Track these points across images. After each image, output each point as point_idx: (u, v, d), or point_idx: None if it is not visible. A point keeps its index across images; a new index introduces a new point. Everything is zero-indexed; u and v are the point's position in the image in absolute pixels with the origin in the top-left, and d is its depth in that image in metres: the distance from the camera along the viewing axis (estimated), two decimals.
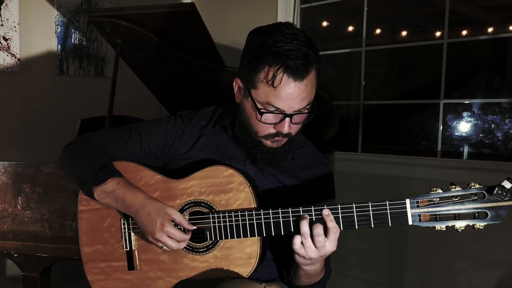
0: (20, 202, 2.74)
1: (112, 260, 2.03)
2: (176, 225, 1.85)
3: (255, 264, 1.86)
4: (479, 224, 1.59)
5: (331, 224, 1.71)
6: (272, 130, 1.85)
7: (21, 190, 2.73)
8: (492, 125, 3.81)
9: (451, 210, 1.61)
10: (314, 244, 1.71)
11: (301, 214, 1.75)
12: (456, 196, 1.61)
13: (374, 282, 4.24)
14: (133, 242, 2.00)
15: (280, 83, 1.73)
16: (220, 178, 1.89)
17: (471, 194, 1.59)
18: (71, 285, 4.12)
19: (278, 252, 2.04)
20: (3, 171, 2.75)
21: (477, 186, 1.59)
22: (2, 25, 4.01)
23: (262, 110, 1.80)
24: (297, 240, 1.73)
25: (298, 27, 4.47)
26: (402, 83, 4.50)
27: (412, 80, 4.45)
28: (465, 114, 3.93)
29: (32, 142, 4.23)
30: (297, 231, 1.74)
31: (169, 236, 1.80)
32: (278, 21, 1.86)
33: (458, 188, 1.61)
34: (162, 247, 1.84)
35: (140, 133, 2.06)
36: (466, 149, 3.93)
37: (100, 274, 2.05)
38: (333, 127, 3.68)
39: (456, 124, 3.97)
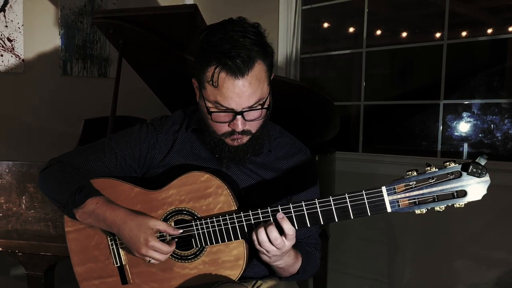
0: (24, 201, 2.73)
1: (105, 277, 2.03)
2: (162, 234, 1.85)
3: (244, 265, 1.84)
4: (459, 203, 1.54)
5: (286, 226, 1.70)
6: (227, 129, 1.83)
7: (25, 190, 2.73)
8: (492, 125, 3.81)
9: (429, 193, 1.56)
10: (275, 246, 1.72)
11: (280, 212, 1.73)
12: (432, 178, 1.55)
13: (375, 281, 4.23)
14: (122, 257, 1.99)
15: (219, 83, 1.72)
16: (198, 184, 1.86)
17: (447, 173, 1.54)
18: (75, 284, 4.12)
19: None
20: (7, 171, 2.75)
21: (452, 165, 1.54)
22: (6, 26, 4.01)
23: (211, 110, 1.79)
24: (254, 238, 1.74)
25: (300, 28, 4.55)
26: (403, 83, 4.50)
27: (412, 81, 4.44)
28: (464, 114, 3.92)
29: (36, 142, 4.22)
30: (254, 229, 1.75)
31: (155, 250, 1.79)
32: (230, 17, 1.83)
33: (434, 169, 1.56)
34: (149, 261, 1.83)
35: (114, 147, 2.03)
36: (465, 149, 3.93)
37: None
38: (334, 127, 3.68)
39: (456, 124, 3.96)
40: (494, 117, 3.80)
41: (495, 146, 3.79)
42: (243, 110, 1.77)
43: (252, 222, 1.77)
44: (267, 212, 1.75)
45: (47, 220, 2.71)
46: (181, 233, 1.85)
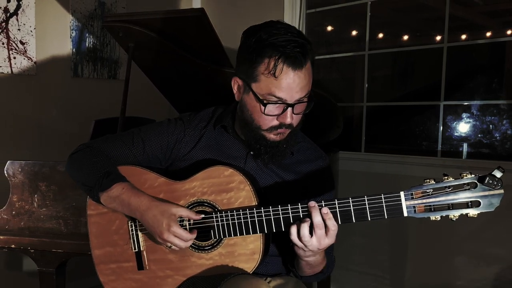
0: (36, 199, 2.73)
1: (122, 261, 2.02)
2: (183, 221, 1.86)
3: (259, 260, 1.84)
4: (473, 213, 1.57)
5: (330, 222, 1.68)
6: (275, 122, 1.84)
7: (38, 188, 2.72)
8: (490, 125, 3.80)
9: (445, 201, 1.58)
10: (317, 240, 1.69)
11: (300, 211, 1.73)
12: (449, 187, 1.57)
13: (377, 277, 4.22)
14: (141, 243, 1.98)
15: (281, 73, 1.73)
16: (221, 178, 1.87)
17: (464, 184, 1.57)
18: (85, 280, 4.12)
19: (282, 245, 2.02)
20: (20, 170, 2.74)
21: (469, 176, 1.56)
22: (19, 29, 4.01)
23: (265, 102, 1.78)
24: (293, 230, 1.70)
25: (304, 31, 4.54)
26: (404, 85, 4.49)
27: (413, 83, 4.44)
28: (464, 115, 3.91)
29: (48, 142, 4.22)
30: (294, 223, 1.72)
31: (176, 236, 1.79)
32: (270, 20, 1.86)
33: (450, 179, 1.57)
34: (170, 247, 1.83)
35: (143, 138, 2.04)
36: (465, 149, 3.92)
37: (111, 275, 2.04)
38: (337, 128, 3.66)
39: (455, 125, 3.95)
40: (493, 117, 3.79)
41: (494, 146, 3.78)
42: (294, 102, 1.79)
43: (272, 218, 1.77)
44: (287, 209, 1.75)
45: (58, 218, 2.71)
46: (202, 218, 1.84)
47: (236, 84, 1.91)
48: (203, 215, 1.84)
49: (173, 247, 1.82)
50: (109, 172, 1.93)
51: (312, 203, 1.69)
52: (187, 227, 1.87)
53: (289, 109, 1.79)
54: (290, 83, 1.75)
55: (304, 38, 1.78)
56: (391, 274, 4.17)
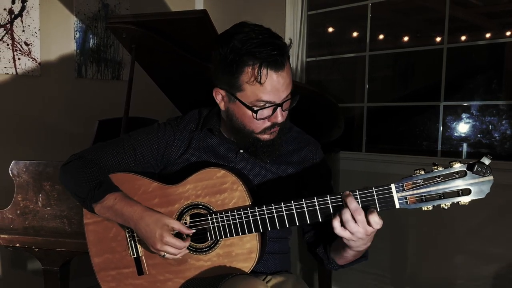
0: (40, 199, 2.72)
1: (122, 267, 2.02)
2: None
3: (256, 258, 1.84)
4: (464, 201, 1.54)
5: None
6: (267, 124, 1.84)
7: (42, 188, 2.72)
8: (490, 126, 3.79)
9: (436, 190, 1.57)
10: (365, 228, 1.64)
11: (293, 206, 1.71)
12: (439, 176, 1.56)
13: (378, 276, 4.21)
14: (139, 249, 1.98)
15: (266, 78, 1.73)
16: (214, 179, 1.86)
17: (453, 172, 1.55)
18: (87, 279, 4.12)
19: (280, 243, 2.04)
20: (24, 170, 2.74)
21: (458, 164, 1.54)
22: (23, 31, 4.00)
23: (255, 108, 1.79)
24: (336, 223, 1.64)
25: (305, 32, 4.55)
26: (404, 86, 4.48)
27: (413, 83, 4.43)
28: (464, 115, 3.91)
29: (52, 142, 4.22)
30: (334, 215, 1.66)
31: (169, 245, 1.79)
32: (233, 24, 1.84)
33: (440, 168, 1.56)
34: (164, 255, 1.82)
35: (133, 144, 2.03)
36: (465, 149, 3.91)
37: (112, 281, 2.04)
38: (338, 128, 3.66)
39: (455, 125, 3.95)
40: (492, 118, 3.78)
41: (493, 146, 3.78)
42: (282, 101, 1.80)
43: (266, 216, 1.76)
44: (280, 207, 1.74)
45: (62, 217, 2.70)
46: (194, 232, 1.84)
47: (218, 95, 1.90)
48: (194, 230, 1.84)
49: (167, 255, 1.82)
50: (101, 182, 1.93)
51: (347, 192, 1.63)
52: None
53: (279, 108, 1.80)
54: (275, 85, 1.75)
55: (275, 36, 1.79)
56: (392, 273, 4.16)
